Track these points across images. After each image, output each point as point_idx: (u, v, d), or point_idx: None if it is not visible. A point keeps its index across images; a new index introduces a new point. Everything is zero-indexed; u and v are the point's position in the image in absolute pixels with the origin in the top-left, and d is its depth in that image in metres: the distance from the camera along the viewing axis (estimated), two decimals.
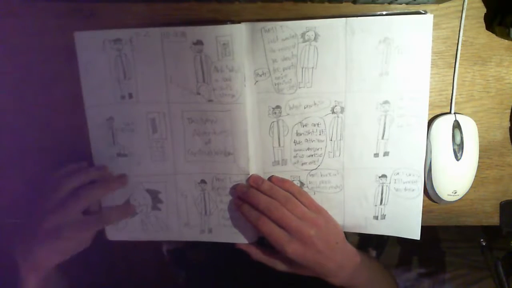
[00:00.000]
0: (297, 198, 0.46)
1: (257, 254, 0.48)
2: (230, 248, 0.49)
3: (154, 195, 0.49)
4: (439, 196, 0.48)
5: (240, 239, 0.49)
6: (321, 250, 0.44)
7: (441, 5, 0.45)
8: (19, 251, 0.44)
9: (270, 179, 0.48)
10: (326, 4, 0.45)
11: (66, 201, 0.44)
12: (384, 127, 0.46)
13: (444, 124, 0.47)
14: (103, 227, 0.49)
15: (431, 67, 0.45)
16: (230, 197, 0.48)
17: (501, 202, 0.51)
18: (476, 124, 0.47)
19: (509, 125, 0.48)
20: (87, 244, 0.46)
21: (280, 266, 0.47)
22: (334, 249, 0.45)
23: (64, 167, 0.46)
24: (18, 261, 0.44)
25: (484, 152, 0.49)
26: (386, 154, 0.47)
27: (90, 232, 0.46)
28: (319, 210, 0.47)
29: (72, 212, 0.43)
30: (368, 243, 0.73)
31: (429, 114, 0.47)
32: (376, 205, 0.48)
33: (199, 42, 0.44)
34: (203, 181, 0.48)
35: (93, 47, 0.45)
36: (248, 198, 0.46)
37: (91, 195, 0.45)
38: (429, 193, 0.49)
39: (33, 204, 0.46)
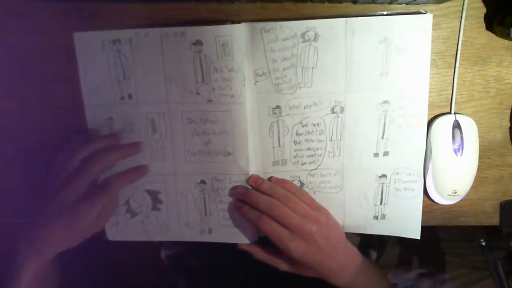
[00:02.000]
0: (297, 198, 0.46)
1: (259, 253, 0.48)
2: (230, 254, 0.49)
3: (154, 196, 0.49)
4: (439, 196, 0.48)
5: (240, 239, 0.49)
6: (323, 248, 0.44)
7: (441, 5, 0.45)
8: (25, 234, 0.43)
9: (269, 180, 0.48)
10: (326, 4, 0.45)
11: (79, 170, 0.43)
12: (384, 127, 0.46)
13: (444, 124, 0.47)
14: (117, 192, 0.46)
15: (431, 67, 0.46)
16: (230, 198, 0.48)
17: (501, 202, 0.51)
18: (476, 124, 0.47)
19: (509, 125, 0.48)
20: (98, 226, 0.45)
21: (283, 265, 0.47)
22: (336, 248, 0.45)
23: (72, 139, 0.45)
24: (19, 247, 0.43)
25: (484, 152, 0.49)
26: (386, 154, 0.47)
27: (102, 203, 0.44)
28: (320, 209, 0.47)
29: (86, 181, 0.43)
30: (369, 244, 0.73)
31: (429, 114, 0.47)
32: (376, 205, 0.48)
33: (198, 42, 0.44)
34: (202, 182, 0.48)
35: (93, 48, 0.45)
36: (248, 198, 0.46)
37: (104, 160, 0.44)
38: (429, 193, 0.49)
39: (42, 183, 0.45)
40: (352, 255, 0.47)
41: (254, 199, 0.45)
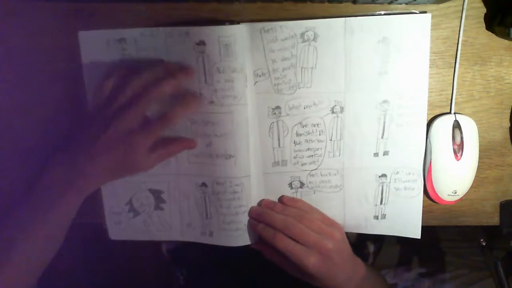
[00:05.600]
0: (310, 215, 0.46)
1: (271, 254, 0.47)
2: (230, 247, 0.49)
3: (157, 195, 0.49)
4: (439, 196, 0.48)
5: (241, 242, 0.49)
6: (337, 263, 0.44)
7: (441, 5, 0.45)
8: (69, 163, 0.42)
9: (280, 198, 0.48)
10: (326, 4, 0.45)
11: (134, 99, 0.41)
12: (384, 127, 0.46)
13: (444, 124, 0.47)
14: (176, 123, 0.44)
15: (432, 67, 0.46)
16: (230, 201, 0.48)
17: (501, 202, 0.51)
18: (476, 124, 0.47)
19: (509, 125, 0.48)
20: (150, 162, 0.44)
21: (292, 269, 0.47)
22: (346, 261, 0.46)
23: (119, 69, 0.43)
24: (59, 175, 0.41)
25: (484, 152, 0.49)
26: (385, 153, 0.47)
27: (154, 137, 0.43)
28: (333, 224, 0.48)
29: (141, 110, 0.41)
30: (367, 237, 0.73)
31: (429, 114, 0.47)
32: (376, 205, 0.49)
33: (201, 43, 0.44)
34: (204, 184, 0.48)
35: (97, 47, 0.45)
36: (263, 218, 0.46)
37: (159, 87, 0.41)
38: (429, 193, 0.49)
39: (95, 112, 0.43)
40: (359, 267, 0.48)
41: (269, 218, 0.46)
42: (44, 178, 0.42)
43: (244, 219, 0.48)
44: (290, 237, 0.44)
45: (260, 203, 0.48)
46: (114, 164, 0.42)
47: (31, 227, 0.41)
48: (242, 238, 0.49)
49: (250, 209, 0.48)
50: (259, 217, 0.47)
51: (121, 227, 0.50)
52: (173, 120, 0.43)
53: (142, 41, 0.45)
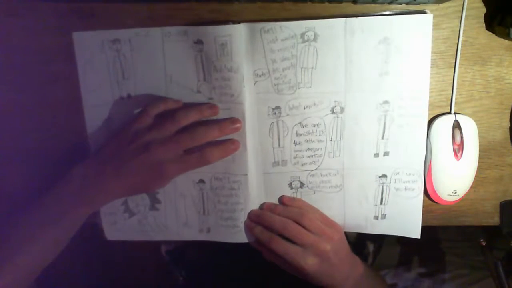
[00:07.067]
0: (310, 214, 0.46)
1: (270, 255, 0.47)
2: (230, 247, 0.49)
3: (152, 196, 0.49)
4: (439, 196, 0.48)
5: (238, 238, 0.49)
6: (334, 264, 0.45)
7: (441, 5, 0.45)
8: (93, 175, 0.42)
9: (280, 199, 0.48)
10: (326, 4, 0.45)
11: (173, 140, 0.43)
12: (384, 127, 0.46)
13: (444, 124, 0.47)
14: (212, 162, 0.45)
15: (431, 67, 0.45)
16: (228, 197, 0.48)
17: (501, 202, 0.51)
18: (476, 124, 0.47)
19: (509, 125, 0.48)
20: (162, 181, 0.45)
21: (290, 269, 0.47)
22: (344, 261, 0.46)
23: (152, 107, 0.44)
24: (74, 184, 0.42)
25: (484, 152, 0.49)
26: (386, 154, 0.47)
27: (189, 168, 0.44)
28: (332, 225, 0.48)
29: (183, 147, 0.43)
30: (366, 237, 0.73)
31: (429, 114, 0.46)
32: (376, 205, 0.48)
33: (199, 42, 0.44)
34: (201, 181, 0.48)
35: (92, 48, 0.45)
36: (263, 220, 0.46)
37: (187, 117, 0.43)
38: (429, 193, 0.49)
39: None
40: (356, 265, 0.48)
41: (268, 220, 0.46)
42: (61, 187, 0.43)
43: (241, 216, 0.48)
44: (288, 238, 0.44)
45: (261, 207, 0.48)
46: (138, 185, 0.44)
47: (40, 231, 0.41)
48: (239, 235, 0.49)
49: (251, 212, 0.48)
50: (258, 219, 0.47)
51: (117, 228, 0.50)
52: (210, 161, 0.44)
53: (137, 41, 0.45)
